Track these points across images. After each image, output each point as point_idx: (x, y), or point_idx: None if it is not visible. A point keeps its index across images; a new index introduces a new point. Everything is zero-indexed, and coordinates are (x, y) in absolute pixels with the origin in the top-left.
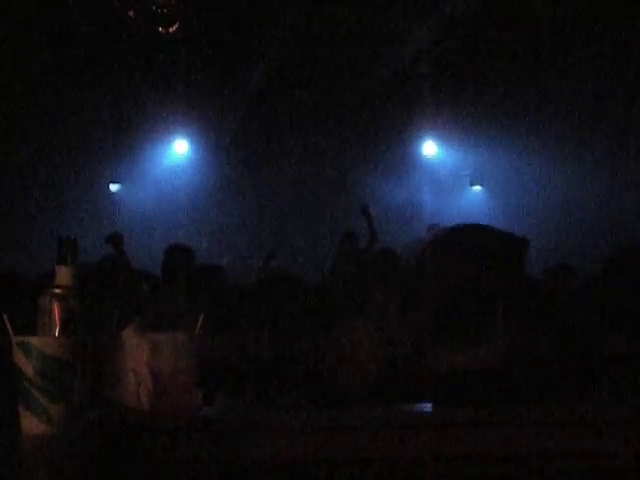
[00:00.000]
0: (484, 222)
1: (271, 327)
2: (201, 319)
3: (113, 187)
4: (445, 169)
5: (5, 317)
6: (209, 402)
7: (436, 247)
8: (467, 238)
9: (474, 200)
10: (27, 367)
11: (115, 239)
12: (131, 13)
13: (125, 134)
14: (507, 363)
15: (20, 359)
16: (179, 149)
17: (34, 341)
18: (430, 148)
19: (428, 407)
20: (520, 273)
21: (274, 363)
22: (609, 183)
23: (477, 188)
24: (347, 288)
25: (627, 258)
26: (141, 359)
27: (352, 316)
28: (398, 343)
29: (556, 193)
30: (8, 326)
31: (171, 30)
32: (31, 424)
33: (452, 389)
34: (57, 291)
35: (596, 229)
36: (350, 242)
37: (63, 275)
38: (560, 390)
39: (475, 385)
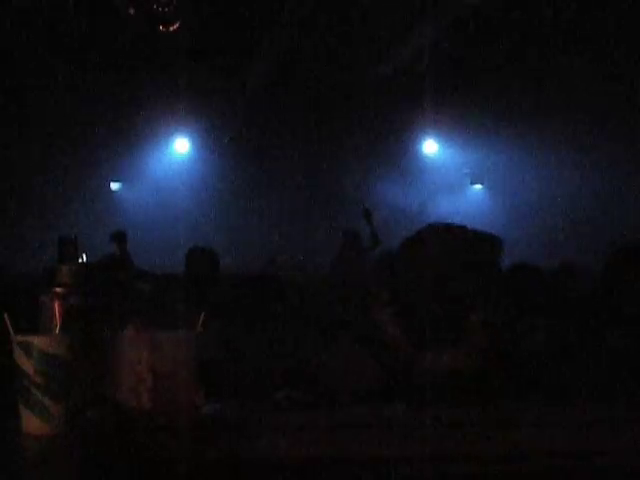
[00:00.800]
0: (485, 220)
1: (265, 327)
2: (202, 317)
3: (114, 186)
4: (446, 168)
5: (5, 316)
6: (208, 401)
7: (408, 248)
8: (439, 239)
9: (475, 199)
10: (27, 366)
11: (119, 237)
12: (131, 11)
13: (126, 133)
14: (485, 363)
15: (20, 358)
16: (180, 148)
17: (34, 340)
18: (431, 147)
19: (426, 407)
20: (495, 272)
21: (267, 363)
22: (609, 181)
23: (478, 187)
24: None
25: (626, 256)
26: (141, 358)
27: (350, 318)
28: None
29: (557, 191)
30: (8, 325)
31: (172, 29)
32: (31, 423)
33: (433, 389)
34: (57, 290)
35: (596, 227)
36: (349, 239)
37: (63, 274)
38: (549, 389)
39: (455, 385)
